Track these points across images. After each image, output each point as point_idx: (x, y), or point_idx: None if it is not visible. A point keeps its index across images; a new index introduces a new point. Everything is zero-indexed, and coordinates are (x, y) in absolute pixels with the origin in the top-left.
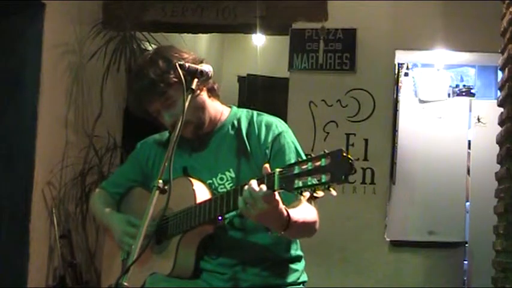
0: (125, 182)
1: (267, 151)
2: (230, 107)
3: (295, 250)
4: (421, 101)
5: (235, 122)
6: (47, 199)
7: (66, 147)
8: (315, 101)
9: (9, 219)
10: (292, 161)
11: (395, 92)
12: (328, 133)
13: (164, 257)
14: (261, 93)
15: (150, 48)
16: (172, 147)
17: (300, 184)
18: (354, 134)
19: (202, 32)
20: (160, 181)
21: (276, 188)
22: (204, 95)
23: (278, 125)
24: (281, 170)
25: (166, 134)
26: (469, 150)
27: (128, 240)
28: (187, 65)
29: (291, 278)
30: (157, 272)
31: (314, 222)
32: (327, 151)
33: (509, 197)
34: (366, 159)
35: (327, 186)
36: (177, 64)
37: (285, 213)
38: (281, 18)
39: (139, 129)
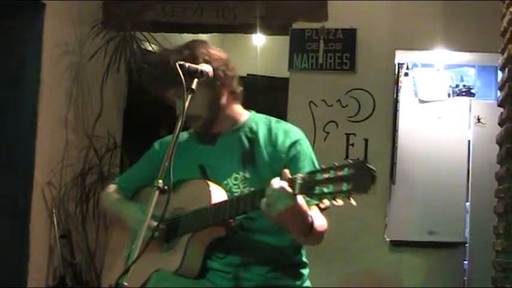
0: (138, 179)
1: (283, 156)
2: (250, 111)
3: (302, 256)
4: (421, 101)
5: (254, 126)
6: (47, 199)
7: (66, 147)
8: (315, 101)
9: (9, 219)
10: (307, 169)
11: (395, 92)
12: (328, 133)
13: (172, 254)
14: (261, 93)
15: (150, 48)
16: (172, 146)
17: (321, 191)
18: (354, 134)
19: (202, 32)
20: (160, 181)
21: (296, 192)
22: (222, 94)
23: (296, 132)
24: (303, 175)
25: (184, 134)
26: (469, 150)
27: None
28: (187, 65)
29: (297, 282)
30: (164, 268)
31: (325, 232)
32: (351, 161)
33: (509, 197)
34: (365, 159)
35: (347, 195)
36: (177, 64)
37: (310, 219)
38: (281, 18)
39: (139, 129)
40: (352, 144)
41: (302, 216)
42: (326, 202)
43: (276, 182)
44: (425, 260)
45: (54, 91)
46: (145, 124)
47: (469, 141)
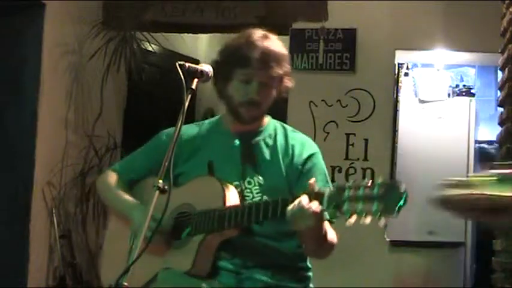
0: (141, 171)
1: (300, 167)
2: (266, 116)
3: (306, 261)
4: (421, 101)
5: (272, 133)
6: (47, 199)
7: (66, 147)
8: (315, 101)
9: (9, 219)
10: (320, 183)
11: (395, 92)
12: (328, 133)
13: (183, 253)
14: None
15: (150, 48)
16: (172, 146)
17: (350, 209)
18: (354, 134)
19: (202, 32)
20: (160, 181)
21: (324, 207)
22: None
23: (312, 144)
24: (331, 190)
25: (201, 125)
26: (469, 151)
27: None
28: (187, 65)
29: (300, 285)
30: (174, 267)
31: (335, 246)
32: (381, 180)
33: None
34: (365, 159)
35: (376, 216)
36: (177, 64)
37: (324, 233)
38: (281, 18)
39: (140, 129)
40: (352, 144)
41: (321, 230)
42: (352, 220)
43: (305, 200)
44: (425, 260)
45: (54, 91)
46: (145, 124)
47: (469, 141)
